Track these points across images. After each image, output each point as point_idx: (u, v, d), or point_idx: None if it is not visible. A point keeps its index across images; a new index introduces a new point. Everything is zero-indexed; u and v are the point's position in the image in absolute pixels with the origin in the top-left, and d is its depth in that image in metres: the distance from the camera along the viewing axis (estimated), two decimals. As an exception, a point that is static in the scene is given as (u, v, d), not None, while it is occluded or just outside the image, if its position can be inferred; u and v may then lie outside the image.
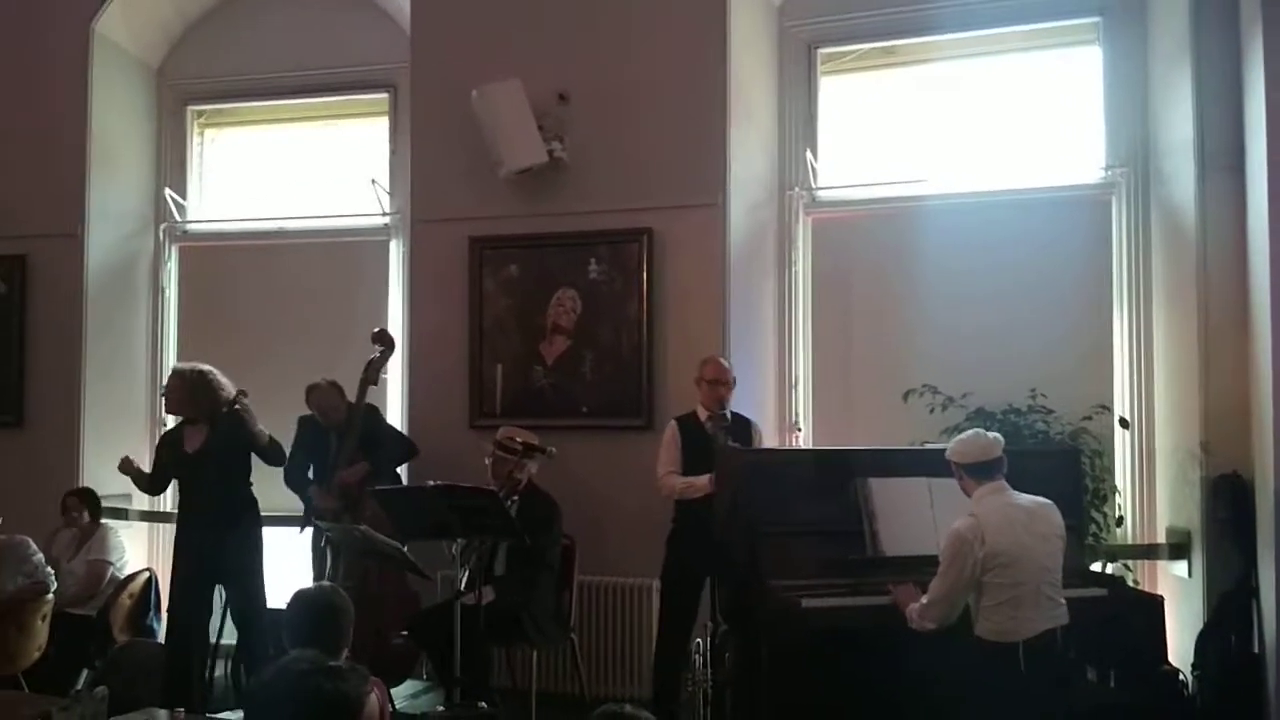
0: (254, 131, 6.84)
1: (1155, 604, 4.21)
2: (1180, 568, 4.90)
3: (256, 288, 6.54)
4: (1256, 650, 4.45)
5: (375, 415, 5.43)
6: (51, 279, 6.39)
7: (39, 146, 6.40)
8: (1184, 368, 4.89)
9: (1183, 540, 4.87)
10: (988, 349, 5.30)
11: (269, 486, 5.25)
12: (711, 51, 5.45)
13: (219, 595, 5.09)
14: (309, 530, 5.24)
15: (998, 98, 5.66)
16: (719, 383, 4.85)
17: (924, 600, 3.67)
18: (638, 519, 5.16)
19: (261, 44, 6.55)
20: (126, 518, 6.22)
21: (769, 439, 5.40)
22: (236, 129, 6.88)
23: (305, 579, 5.03)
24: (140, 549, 6.29)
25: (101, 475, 5.96)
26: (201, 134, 6.88)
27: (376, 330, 5.42)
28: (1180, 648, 4.61)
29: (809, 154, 5.77)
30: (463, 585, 4.43)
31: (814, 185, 5.79)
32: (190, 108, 6.81)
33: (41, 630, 5.27)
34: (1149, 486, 5.23)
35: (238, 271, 6.61)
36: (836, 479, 4.23)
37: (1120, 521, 5.17)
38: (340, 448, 5.20)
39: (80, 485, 5.94)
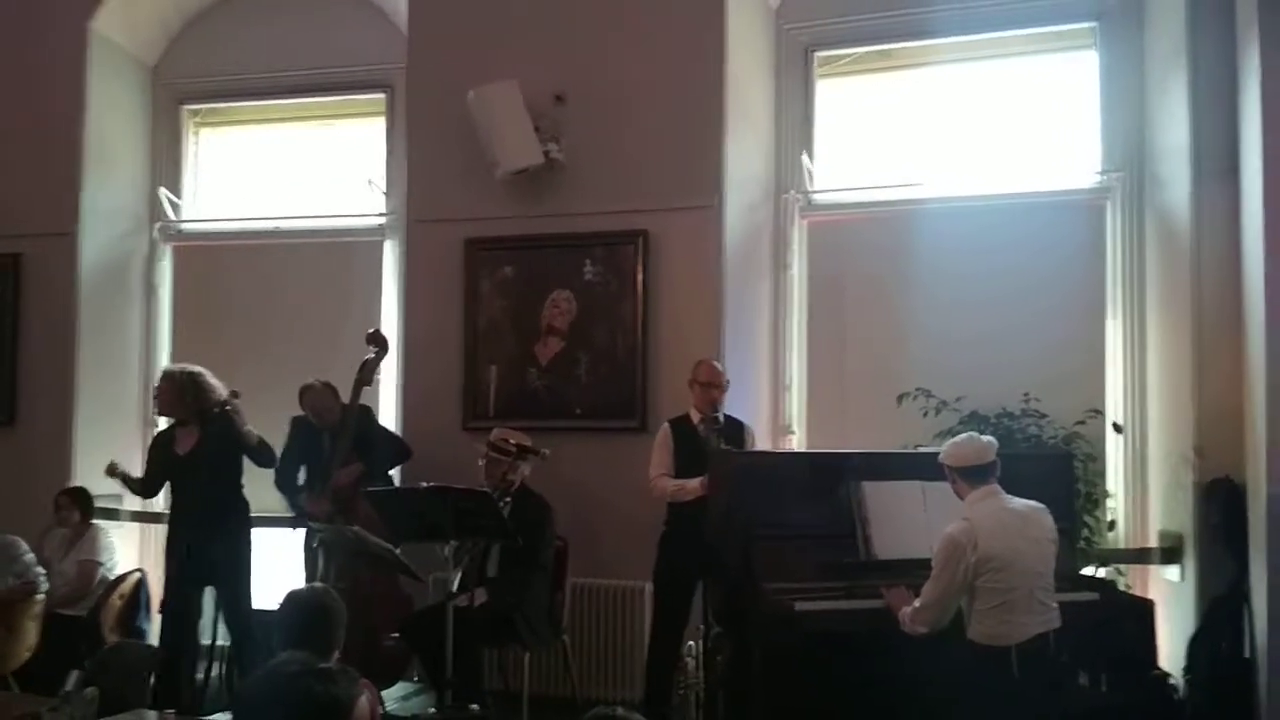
0: (249, 131, 6.82)
1: (1147, 608, 4.20)
2: (1172, 572, 4.91)
3: (250, 288, 6.52)
4: (1247, 655, 4.45)
5: (369, 416, 5.41)
6: (45, 277, 6.36)
7: (33, 144, 6.37)
8: (1177, 372, 4.90)
9: (1175, 545, 4.88)
10: (982, 353, 5.29)
11: (260, 488, 5.24)
12: (708, 53, 5.45)
13: (210, 596, 5.07)
14: (300, 532, 5.23)
15: (994, 102, 5.66)
16: (712, 385, 4.86)
17: (916, 604, 3.66)
18: (631, 521, 5.15)
19: (258, 43, 6.52)
20: (118, 518, 6.20)
21: (763, 441, 5.39)
22: (232, 128, 6.85)
23: (297, 580, 5.02)
24: (131, 549, 6.26)
25: (93, 475, 5.91)
26: (196, 133, 6.86)
27: (371, 331, 5.42)
28: (1171, 652, 4.61)
29: (805, 157, 5.77)
30: (455, 587, 4.42)
31: (810, 188, 5.79)
32: (185, 107, 6.79)
33: (31, 630, 5.26)
34: (1141, 491, 5.24)
35: (232, 271, 6.60)
36: (830, 482, 4.23)
37: (1112, 526, 5.18)
38: (334, 449, 5.18)
39: (72, 484, 5.92)
